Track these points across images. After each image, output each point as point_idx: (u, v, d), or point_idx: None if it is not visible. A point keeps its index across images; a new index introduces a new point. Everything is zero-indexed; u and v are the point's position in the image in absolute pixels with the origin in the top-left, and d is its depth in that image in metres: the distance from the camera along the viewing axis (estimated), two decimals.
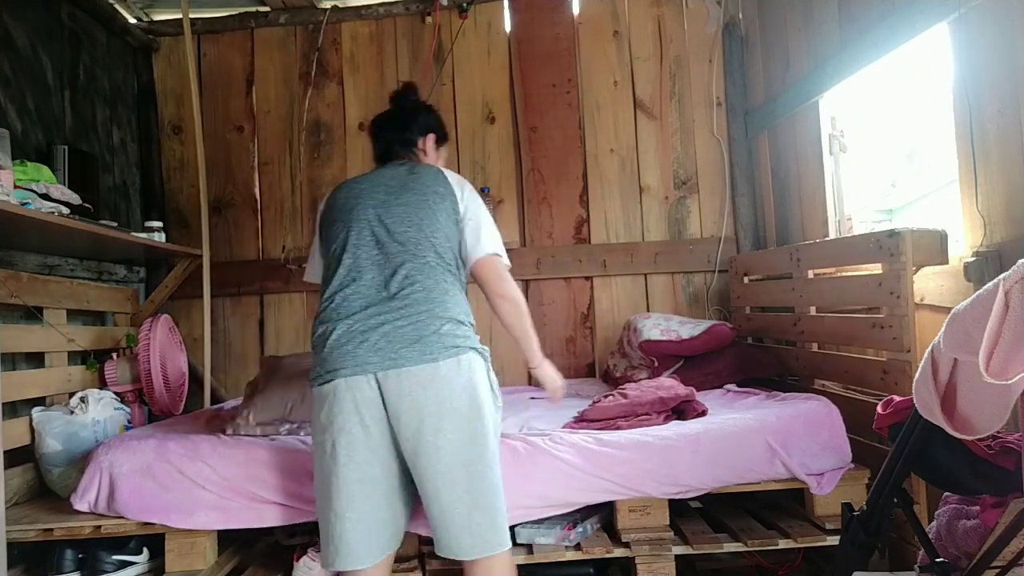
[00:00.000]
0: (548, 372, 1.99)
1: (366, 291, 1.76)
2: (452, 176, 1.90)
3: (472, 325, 1.81)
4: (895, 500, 1.49)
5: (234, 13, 3.58)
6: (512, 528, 2.10)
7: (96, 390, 2.64)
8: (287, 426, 2.23)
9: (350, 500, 1.68)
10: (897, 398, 1.63)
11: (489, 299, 1.87)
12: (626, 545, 2.06)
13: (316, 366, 1.78)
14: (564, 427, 2.28)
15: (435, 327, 1.70)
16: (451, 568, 2.02)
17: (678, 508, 2.26)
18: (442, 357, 1.68)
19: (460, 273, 1.85)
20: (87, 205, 2.50)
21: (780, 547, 2.09)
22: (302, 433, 2.22)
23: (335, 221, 1.87)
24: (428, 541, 2.03)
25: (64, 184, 2.51)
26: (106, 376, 2.74)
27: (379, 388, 1.68)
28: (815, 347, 2.68)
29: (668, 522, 2.12)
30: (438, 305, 1.73)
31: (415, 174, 1.88)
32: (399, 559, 1.92)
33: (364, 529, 1.69)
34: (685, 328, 2.96)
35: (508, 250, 3.44)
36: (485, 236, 1.85)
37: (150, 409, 2.87)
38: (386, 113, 2.08)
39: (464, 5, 3.55)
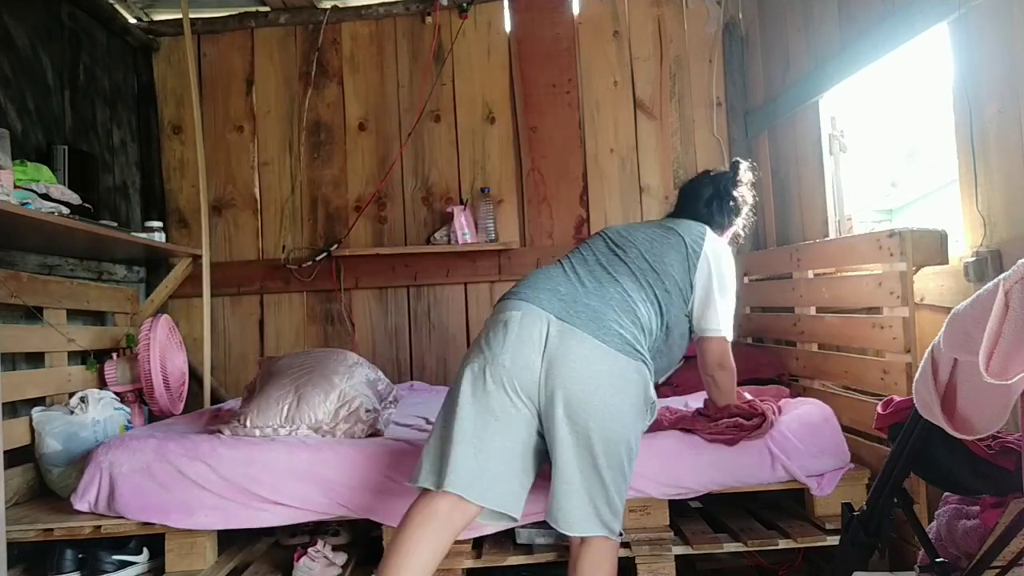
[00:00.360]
0: None
1: (581, 278, 1.84)
2: (713, 243, 1.99)
3: (649, 368, 1.81)
4: (895, 500, 1.49)
5: (234, 13, 3.58)
6: (512, 528, 2.11)
7: (96, 390, 2.64)
8: (285, 429, 2.23)
9: (484, 429, 1.66)
10: (897, 398, 1.63)
11: (712, 371, 2.04)
12: (626, 545, 2.06)
13: (498, 302, 1.87)
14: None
15: (620, 324, 1.74)
16: (451, 569, 2.01)
17: (678, 508, 2.25)
18: (616, 348, 1.71)
19: (663, 321, 1.89)
20: (87, 205, 2.50)
21: (780, 547, 2.09)
22: (300, 435, 2.21)
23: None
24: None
25: (64, 184, 2.51)
26: (106, 376, 2.74)
27: (548, 340, 1.69)
28: (815, 347, 2.68)
29: (668, 522, 2.12)
30: (632, 326, 1.77)
31: (676, 229, 1.99)
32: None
33: (491, 468, 1.66)
34: None
35: (508, 250, 3.48)
36: (719, 314, 1.95)
37: (150, 409, 2.87)
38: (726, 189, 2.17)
39: (464, 5, 3.55)
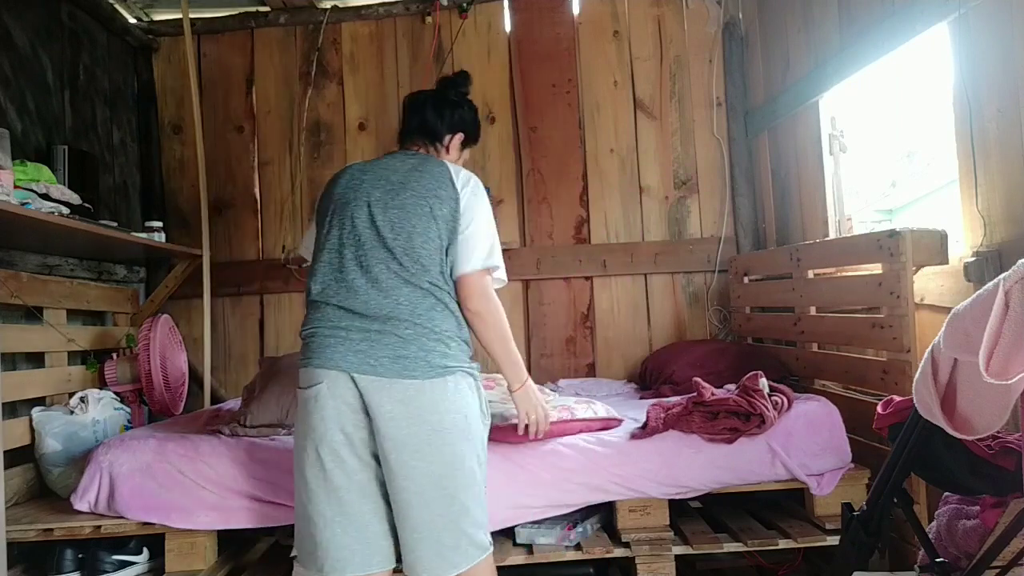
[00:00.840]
0: (529, 396, 1.86)
1: (349, 295, 1.66)
2: (459, 176, 1.75)
3: (463, 341, 1.71)
4: (895, 500, 1.49)
5: (234, 13, 3.58)
6: (512, 528, 2.11)
7: (96, 390, 2.64)
8: (284, 429, 2.23)
9: (340, 504, 1.61)
10: (897, 398, 1.63)
11: (464, 314, 1.73)
12: (626, 545, 2.06)
13: (300, 367, 1.71)
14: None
15: (418, 345, 1.62)
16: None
17: (678, 508, 2.26)
18: (425, 377, 1.60)
19: (451, 285, 1.72)
20: (87, 205, 2.50)
21: (780, 547, 2.09)
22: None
23: (328, 210, 1.76)
24: None
25: (64, 184, 2.51)
26: (106, 376, 2.74)
27: (360, 395, 1.61)
28: (815, 347, 2.68)
29: (668, 522, 2.12)
30: (424, 322, 1.63)
31: (419, 172, 1.74)
32: None
33: (353, 535, 1.62)
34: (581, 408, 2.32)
35: (507, 250, 3.46)
36: (477, 249, 1.71)
37: (150, 409, 2.87)
38: (425, 93, 1.94)
39: (464, 5, 3.55)
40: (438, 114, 1.88)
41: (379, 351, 1.61)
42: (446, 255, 1.70)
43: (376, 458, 1.64)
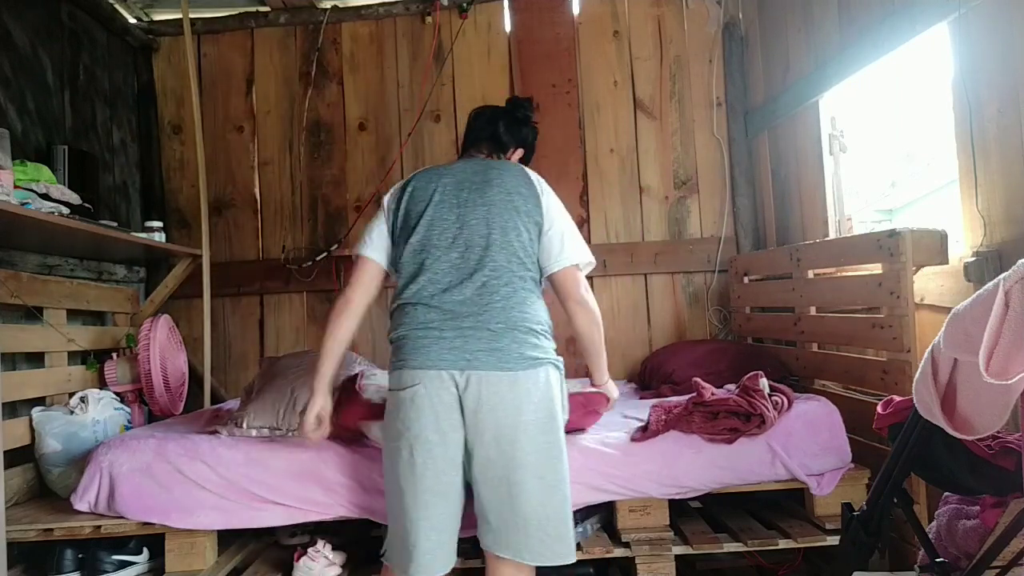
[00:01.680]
0: (613, 388, 2.08)
1: (444, 295, 1.71)
2: (535, 176, 1.85)
3: (550, 335, 1.77)
4: (895, 500, 1.49)
5: (234, 13, 3.58)
6: None
7: (96, 390, 2.64)
8: (282, 430, 2.22)
9: (423, 509, 1.65)
10: (897, 398, 1.63)
11: (566, 306, 1.83)
12: (626, 545, 2.06)
13: (394, 370, 1.75)
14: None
15: (511, 338, 1.67)
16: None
17: (678, 508, 2.26)
18: (519, 368, 1.65)
19: (539, 279, 1.81)
20: (87, 205, 2.50)
21: (780, 547, 2.09)
22: (296, 436, 2.19)
23: (412, 214, 1.81)
24: None
25: (64, 184, 2.51)
26: (106, 376, 2.74)
27: (457, 391, 1.65)
28: (815, 347, 2.68)
29: (668, 522, 2.12)
30: (516, 314, 1.70)
31: (498, 170, 1.83)
32: None
33: (435, 539, 1.66)
34: None
35: None
36: (569, 244, 1.80)
37: (150, 409, 2.87)
38: (497, 108, 2.07)
39: (464, 5, 3.55)
40: (508, 128, 2.01)
41: (473, 345, 1.67)
42: (534, 249, 1.79)
43: (463, 463, 1.68)
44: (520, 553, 1.65)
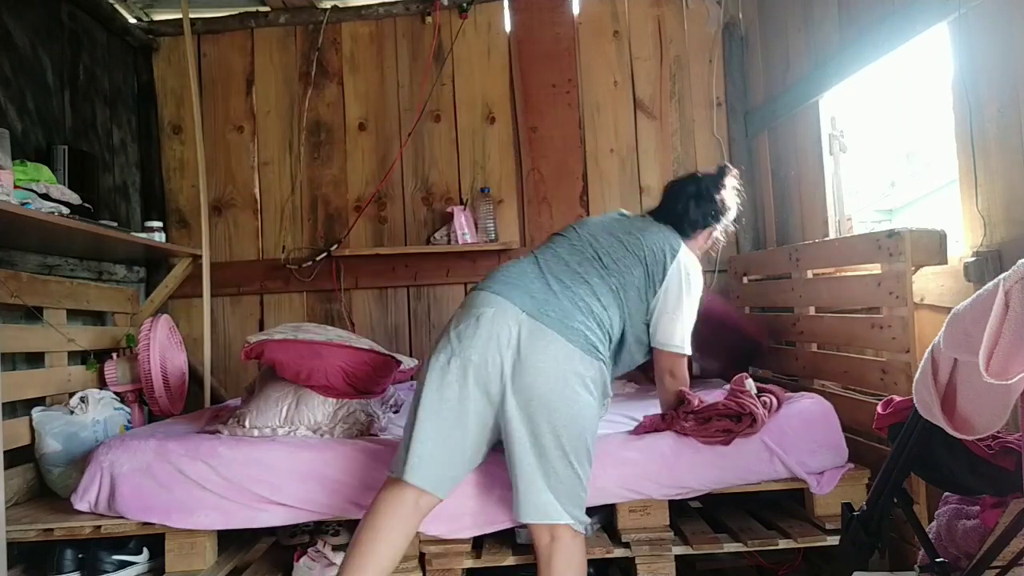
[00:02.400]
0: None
1: (556, 271, 1.88)
2: (683, 257, 1.98)
3: (608, 358, 1.86)
4: (895, 500, 1.49)
5: (234, 13, 3.58)
6: (512, 529, 2.11)
7: (96, 390, 2.64)
8: (283, 430, 2.23)
9: (440, 423, 1.73)
10: (897, 398, 1.63)
11: (661, 378, 2.07)
12: (626, 545, 2.06)
13: (473, 291, 1.90)
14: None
15: (583, 324, 1.78)
16: (451, 569, 2.03)
17: (678, 508, 2.25)
18: (579, 347, 1.74)
19: (623, 327, 1.93)
20: (87, 205, 2.50)
21: (780, 547, 2.09)
22: (299, 435, 2.21)
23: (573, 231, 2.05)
24: (429, 541, 2.03)
25: (64, 184, 2.51)
26: (106, 376, 2.74)
27: (519, 335, 1.73)
28: (815, 347, 2.68)
29: (668, 522, 2.12)
30: (597, 319, 1.82)
31: (650, 231, 2.01)
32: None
33: (441, 454, 1.74)
34: None
35: (508, 250, 3.48)
36: (679, 330, 1.97)
37: (150, 409, 2.87)
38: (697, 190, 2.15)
39: (464, 5, 3.55)
40: (698, 207, 2.13)
41: (552, 305, 1.78)
42: (637, 310, 1.94)
43: (495, 405, 1.75)
44: (518, 511, 1.75)
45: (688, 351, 2.02)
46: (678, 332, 1.97)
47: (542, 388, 1.70)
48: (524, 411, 1.71)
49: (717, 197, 2.13)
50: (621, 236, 1.98)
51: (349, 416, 2.25)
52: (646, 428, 2.14)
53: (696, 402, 2.16)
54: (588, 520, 1.79)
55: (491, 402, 1.75)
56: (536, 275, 1.86)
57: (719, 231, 2.19)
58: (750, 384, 2.19)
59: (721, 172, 2.18)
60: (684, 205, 2.11)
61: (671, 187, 2.21)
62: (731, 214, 2.18)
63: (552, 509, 1.72)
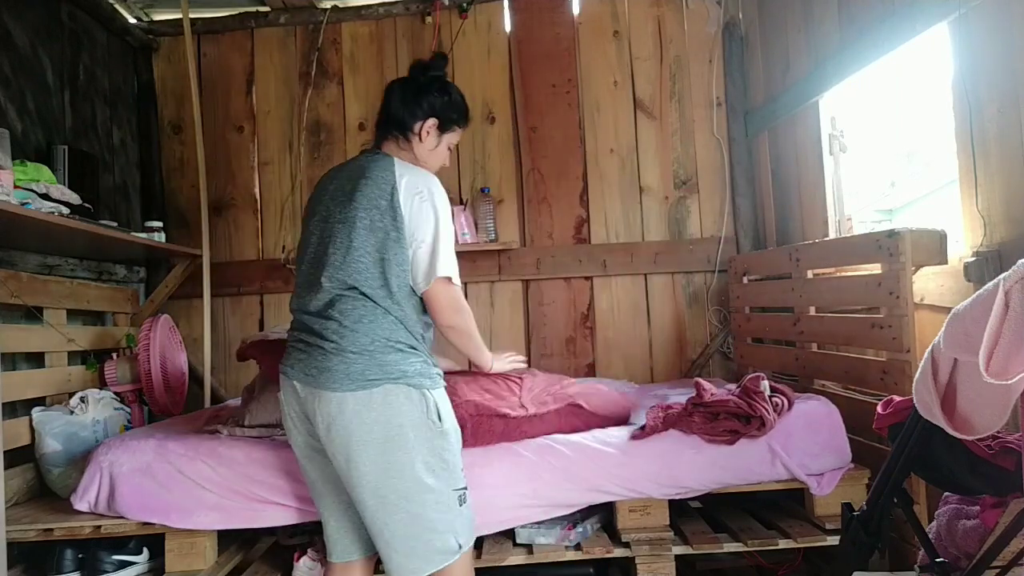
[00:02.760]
0: (503, 363, 2.10)
1: (302, 307, 1.75)
2: (407, 182, 1.70)
3: (408, 349, 1.67)
4: (895, 500, 1.49)
5: (234, 13, 3.58)
6: (512, 528, 2.11)
7: (96, 390, 2.64)
8: (282, 430, 2.22)
9: (318, 497, 1.80)
10: (897, 398, 1.63)
11: (438, 327, 1.77)
12: (626, 545, 2.06)
13: None
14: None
15: (340, 359, 1.62)
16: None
17: (678, 508, 2.26)
18: (345, 389, 1.60)
19: (399, 295, 1.69)
20: (87, 205, 2.50)
21: (780, 547, 2.09)
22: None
23: (304, 222, 1.87)
24: None
25: (64, 184, 2.51)
26: (106, 376, 2.74)
27: (304, 411, 1.71)
28: (815, 347, 2.68)
29: (668, 522, 2.12)
30: (351, 336, 1.63)
31: (367, 179, 1.71)
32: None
33: (334, 525, 1.78)
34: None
35: (508, 250, 3.48)
36: (436, 260, 1.69)
37: (150, 409, 2.87)
38: (398, 82, 1.88)
39: (464, 5, 3.55)
40: (403, 102, 1.82)
41: (312, 361, 1.66)
42: (394, 266, 1.68)
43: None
44: (384, 565, 1.68)
45: (454, 275, 1.74)
46: (434, 262, 1.72)
47: (334, 450, 1.69)
48: (342, 474, 1.71)
49: (421, 84, 1.85)
50: (338, 222, 1.75)
51: None
52: (650, 430, 2.13)
53: (708, 395, 2.16)
54: (457, 544, 1.67)
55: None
56: (300, 330, 1.79)
57: (439, 127, 1.87)
58: (764, 386, 2.19)
59: (415, 67, 1.89)
60: (387, 106, 1.86)
61: (384, 95, 1.89)
62: (441, 100, 1.85)
63: (419, 557, 1.68)
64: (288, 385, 1.73)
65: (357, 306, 1.66)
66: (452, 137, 1.90)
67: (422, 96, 1.82)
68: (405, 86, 1.85)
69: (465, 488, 1.71)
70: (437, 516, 1.64)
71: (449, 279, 1.72)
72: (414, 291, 1.72)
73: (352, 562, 1.79)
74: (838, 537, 1.73)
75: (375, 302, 1.67)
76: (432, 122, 1.83)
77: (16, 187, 2.14)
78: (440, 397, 1.70)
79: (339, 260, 1.68)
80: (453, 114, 1.87)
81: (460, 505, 1.68)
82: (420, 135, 1.84)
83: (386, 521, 1.62)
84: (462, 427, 1.81)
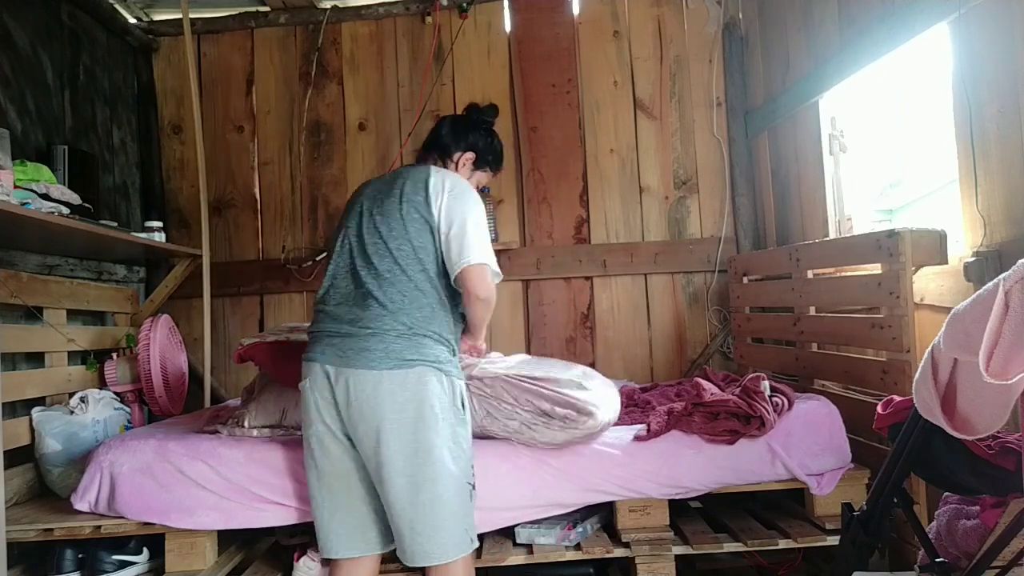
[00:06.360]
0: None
1: (338, 301, 1.82)
2: (436, 180, 1.84)
3: (440, 338, 1.78)
4: (895, 500, 1.49)
5: (234, 13, 3.58)
6: (512, 528, 2.11)
7: (96, 390, 2.64)
8: (282, 430, 2.23)
9: (327, 492, 1.79)
10: (897, 398, 1.63)
11: (466, 299, 1.82)
12: (626, 545, 2.06)
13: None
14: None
15: (379, 339, 1.72)
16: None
17: (678, 508, 2.26)
18: (383, 367, 1.69)
19: (435, 283, 1.80)
20: (87, 205, 2.50)
21: (780, 547, 2.09)
22: (298, 435, 2.21)
23: (339, 223, 1.96)
24: None
25: (64, 184, 2.51)
26: (106, 376, 2.74)
27: (332, 386, 1.74)
28: (815, 347, 2.68)
29: (668, 522, 2.12)
30: (391, 319, 1.73)
31: (404, 179, 1.86)
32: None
33: (341, 519, 1.79)
34: None
35: (507, 250, 3.48)
36: (467, 245, 1.76)
37: (150, 409, 2.87)
38: (452, 115, 2.12)
39: (464, 5, 3.55)
40: (452, 131, 2.03)
41: (349, 344, 1.74)
42: (436, 255, 1.80)
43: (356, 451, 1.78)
44: (400, 551, 1.74)
45: (491, 261, 1.83)
46: (465, 247, 1.80)
47: (366, 428, 1.74)
48: (368, 455, 1.76)
49: (471, 121, 2.07)
50: (384, 204, 1.88)
51: None
52: (654, 432, 2.13)
53: (708, 395, 2.16)
54: (470, 539, 1.77)
55: (352, 453, 1.82)
56: (335, 305, 1.87)
57: (474, 161, 2.06)
58: (765, 386, 2.19)
59: (470, 107, 2.13)
60: (438, 132, 2.07)
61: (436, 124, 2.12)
62: (484, 141, 2.06)
63: (425, 551, 1.73)
64: (316, 371, 1.76)
65: (396, 292, 1.76)
66: (482, 176, 2.09)
67: (469, 131, 2.04)
68: (457, 119, 2.08)
69: (474, 485, 1.79)
70: (458, 503, 1.73)
71: (485, 265, 1.79)
72: (450, 283, 1.81)
73: (358, 559, 1.80)
74: (838, 537, 1.73)
75: (415, 287, 1.78)
76: (470, 155, 2.03)
77: (16, 187, 2.14)
78: (463, 388, 1.82)
79: (380, 250, 1.80)
80: (489, 155, 2.08)
81: (470, 499, 1.77)
82: (457, 164, 2.02)
83: (411, 501, 1.68)
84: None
